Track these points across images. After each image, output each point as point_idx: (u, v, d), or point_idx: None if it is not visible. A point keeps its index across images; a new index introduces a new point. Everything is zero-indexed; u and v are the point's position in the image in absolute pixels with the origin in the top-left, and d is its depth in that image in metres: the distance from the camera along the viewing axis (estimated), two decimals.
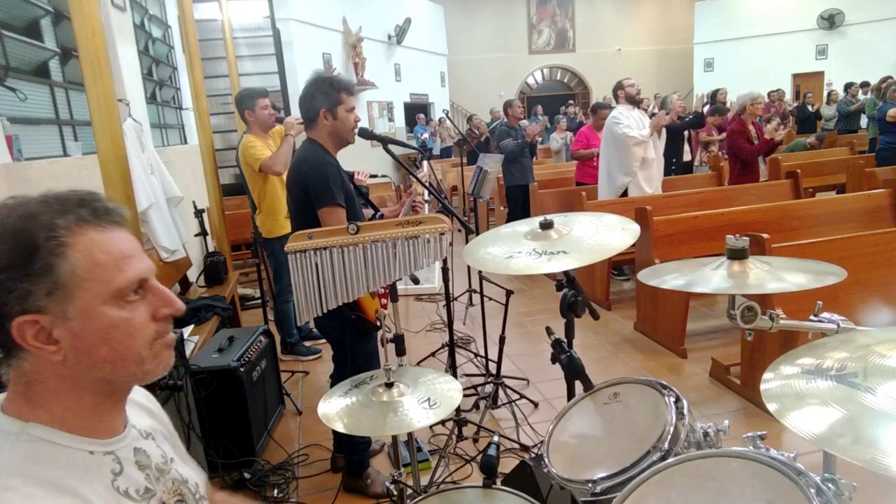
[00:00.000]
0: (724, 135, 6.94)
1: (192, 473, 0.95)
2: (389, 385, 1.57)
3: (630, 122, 4.87)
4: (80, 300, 0.73)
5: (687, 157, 6.97)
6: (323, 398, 1.59)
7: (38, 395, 0.77)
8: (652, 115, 5.28)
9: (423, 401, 1.51)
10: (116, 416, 0.84)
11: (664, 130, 5.19)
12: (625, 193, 5.04)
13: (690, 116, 6.85)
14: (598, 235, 1.47)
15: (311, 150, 2.28)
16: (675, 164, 6.38)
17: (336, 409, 1.54)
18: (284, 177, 3.65)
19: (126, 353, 0.78)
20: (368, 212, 2.58)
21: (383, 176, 3.57)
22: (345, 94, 2.28)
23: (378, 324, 2.26)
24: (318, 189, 2.18)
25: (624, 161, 4.95)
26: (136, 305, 0.78)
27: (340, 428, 1.48)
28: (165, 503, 0.85)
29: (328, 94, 2.25)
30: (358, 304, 2.21)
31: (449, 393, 1.55)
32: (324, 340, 3.88)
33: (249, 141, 3.58)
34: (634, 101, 4.99)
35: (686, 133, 6.77)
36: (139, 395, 0.98)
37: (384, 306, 2.35)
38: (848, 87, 10.41)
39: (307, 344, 4.14)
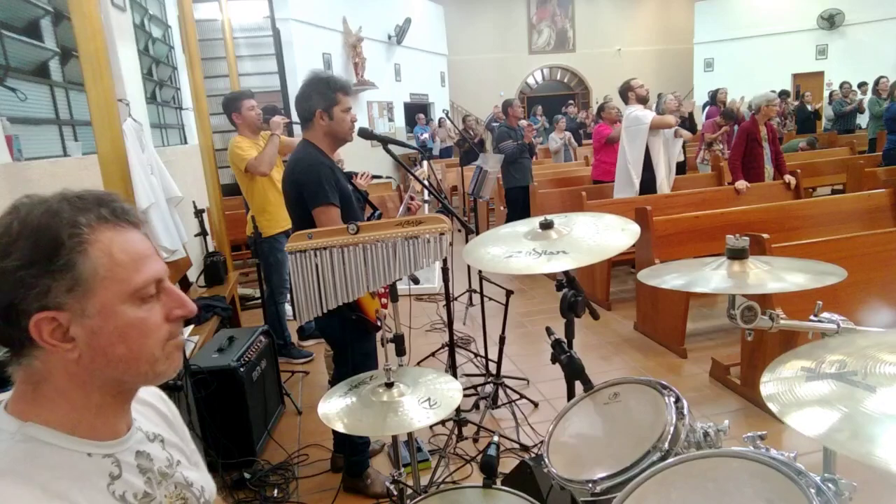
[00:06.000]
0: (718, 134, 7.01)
1: (198, 477, 0.95)
2: (389, 385, 1.57)
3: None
4: (99, 298, 0.74)
5: (680, 157, 6.98)
6: (323, 398, 1.59)
7: (45, 394, 0.77)
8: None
9: (423, 401, 1.51)
10: (121, 417, 0.84)
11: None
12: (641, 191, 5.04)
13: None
14: (598, 236, 1.47)
15: (304, 151, 2.28)
16: None
17: (336, 409, 1.54)
18: (273, 176, 3.67)
19: (140, 352, 0.78)
20: (368, 211, 2.58)
21: (388, 178, 3.56)
22: (341, 93, 2.27)
23: (378, 324, 2.26)
24: (311, 189, 2.18)
25: (666, 154, 5.03)
26: (152, 305, 0.79)
27: (340, 428, 1.48)
28: None
29: (324, 94, 2.25)
30: (358, 305, 2.21)
31: (449, 393, 1.55)
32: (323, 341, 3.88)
33: (236, 142, 3.61)
34: (645, 101, 5.00)
35: None
36: (154, 397, 0.98)
37: (384, 306, 2.35)
38: (842, 87, 10.41)
39: (306, 344, 4.13)
